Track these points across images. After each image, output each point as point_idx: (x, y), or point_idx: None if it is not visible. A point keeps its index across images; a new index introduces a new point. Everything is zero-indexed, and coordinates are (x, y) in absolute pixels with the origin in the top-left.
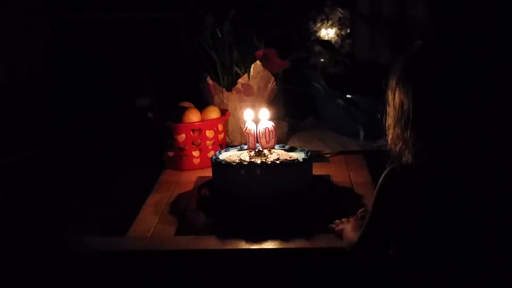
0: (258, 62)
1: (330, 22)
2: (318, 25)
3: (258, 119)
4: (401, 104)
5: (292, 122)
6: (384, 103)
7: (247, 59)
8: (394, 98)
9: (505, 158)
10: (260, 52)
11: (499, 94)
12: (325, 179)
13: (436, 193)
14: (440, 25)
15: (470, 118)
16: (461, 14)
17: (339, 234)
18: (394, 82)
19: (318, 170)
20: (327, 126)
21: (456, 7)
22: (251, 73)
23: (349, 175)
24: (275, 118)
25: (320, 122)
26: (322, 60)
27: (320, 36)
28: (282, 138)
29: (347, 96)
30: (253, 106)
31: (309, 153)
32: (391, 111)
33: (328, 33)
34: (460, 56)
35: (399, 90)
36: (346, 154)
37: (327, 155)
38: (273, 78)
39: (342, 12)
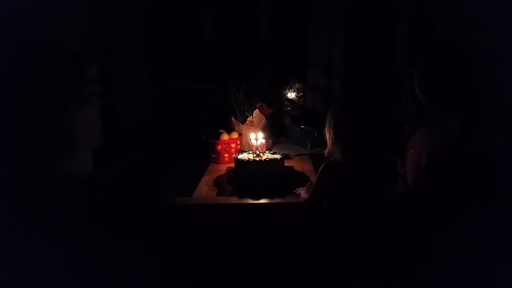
0: (257, 110)
1: (293, 89)
2: (287, 91)
3: (257, 138)
4: (331, 131)
5: (275, 139)
6: (320, 131)
7: (251, 108)
8: (329, 128)
9: (374, 161)
10: (258, 105)
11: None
12: (291, 168)
13: (346, 174)
14: (348, 94)
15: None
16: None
17: (298, 195)
18: (327, 121)
19: (287, 163)
20: (292, 142)
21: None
22: (254, 115)
23: (303, 166)
24: (266, 137)
25: (289, 140)
26: (289, 108)
27: (287, 96)
28: (269, 147)
29: (302, 126)
30: (255, 131)
31: (282, 155)
32: (327, 134)
33: (292, 94)
34: (354, 111)
35: (330, 124)
36: (301, 155)
37: (292, 156)
38: (264, 117)
39: (299, 84)
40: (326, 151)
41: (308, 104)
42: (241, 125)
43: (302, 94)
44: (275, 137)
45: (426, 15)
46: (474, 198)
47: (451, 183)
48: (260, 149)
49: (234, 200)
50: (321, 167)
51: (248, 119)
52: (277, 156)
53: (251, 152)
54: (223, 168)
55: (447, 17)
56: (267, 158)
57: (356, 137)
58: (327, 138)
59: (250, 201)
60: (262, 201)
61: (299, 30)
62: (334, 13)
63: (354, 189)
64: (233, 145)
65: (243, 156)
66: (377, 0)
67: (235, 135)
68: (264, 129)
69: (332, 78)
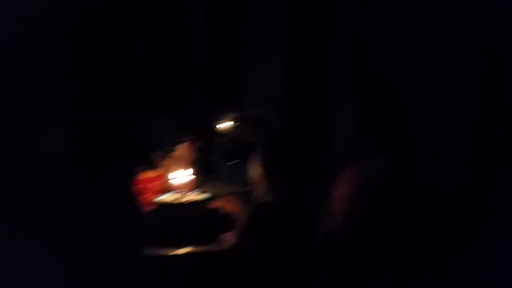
0: (185, 143)
1: (226, 120)
2: (220, 121)
3: (183, 175)
4: (259, 168)
5: (205, 176)
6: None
7: (179, 142)
8: (257, 165)
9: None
10: (187, 138)
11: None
12: (219, 209)
13: (276, 217)
14: (285, 126)
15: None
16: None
17: (226, 241)
18: (255, 157)
19: (216, 203)
20: (223, 178)
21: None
22: (181, 149)
23: (233, 206)
24: (194, 174)
25: (220, 176)
26: (220, 141)
27: (222, 127)
28: (198, 186)
29: (233, 161)
30: (182, 168)
31: (210, 195)
32: (255, 172)
33: (228, 125)
34: (285, 148)
35: (258, 161)
36: (234, 194)
37: (223, 195)
38: (193, 152)
39: (232, 114)
40: (255, 193)
41: (243, 136)
42: (167, 160)
43: (236, 125)
44: (204, 173)
45: (366, 45)
46: (404, 238)
47: (382, 225)
48: (186, 188)
49: (151, 250)
50: (249, 210)
51: (174, 153)
52: (205, 196)
53: (175, 192)
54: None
55: (387, 50)
56: (192, 199)
57: (288, 176)
58: (255, 176)
59: (169, 251)
60: (183, 250)
61: (233, 56)
62: (270, 38)
63: (285, 233)
64: (154, 185)
65: (165, 197)
66: (316, 28)
67: (160, 172)
68: (192, 165)
69: (269, 109)
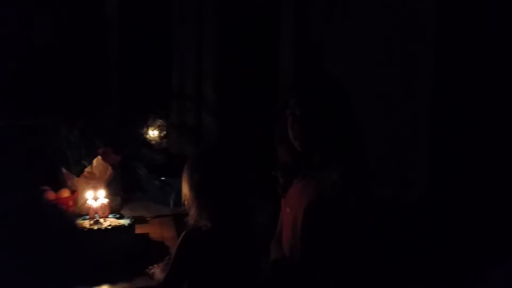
0: (99, 157)
1: (153, 128)
2: (145, 129)
3: (97, 197)
4: (191, 189)
5: (125, 196)
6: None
7: (90, 156)
8: (188, 185)
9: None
10: (100, 151)
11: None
12: (145, 236)
13: (212, 246)
14: (222, 135)
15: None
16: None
17: (152, 276)
18: (186, 175)
19: (140, 230)
20: (149, 198)
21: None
22: (94, 165)
23: (162, 232)
24: (112, 195)
25: (145, 196)
26: (146, 154)
27: (147, 137)
28: (116, 209)
29: (162, 178)
30: (96, 187)
31: (132, 219)
32: (187, 193)
33: (154, 133)
34: (219, 161)
35: (190, 181)
36: (161, 217)
37: (148, 219)
38: (110, 167)
39: (160, 121)
40: (188, 217)
41: (173, 147)
42: (75, 178)
43: (165, 134)
44: (126, 193)
45: (313, 45)
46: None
47: (333, 250)
48: (101, 212)
49: None
50: (180, 237)
51: (86, 170)
52: (125, 222)
53: (88, 217)
54: None
55: (338, 49)
56: (109, 225)
57: (225, 195)
58: (186, 198)
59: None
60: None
61: (161, 52)
62: (203, 32)
63: (223, 265)
64: (65, 207)
65: (80, 222)
66: (255, 24)
67: (65, 193)
68: (109, 184)
69: (204, 114)
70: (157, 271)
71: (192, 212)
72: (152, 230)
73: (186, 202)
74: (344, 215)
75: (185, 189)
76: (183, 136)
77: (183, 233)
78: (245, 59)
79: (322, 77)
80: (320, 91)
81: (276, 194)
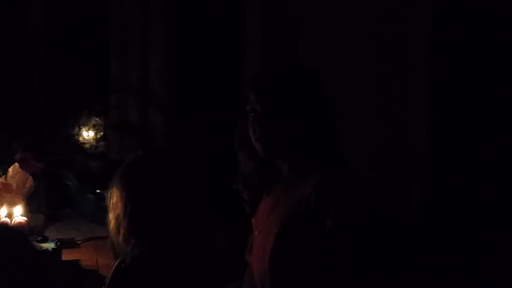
0: (16, 164)
1: (87, 127)
2: (77, 129)
3: (12, 214)
4: (118, 210)
5: (50, 213)
6: None
7: (5, 162)
8: (115, 205)
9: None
10: (17, 156)
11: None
12: (74, 263)
13: (148, 278)
14: (172, 135)
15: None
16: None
17: None
18: (112, 192)
19: (69, 255)
20: (81, 216)
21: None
22: (10, 174)
23: (96, 259)
24: (33, 212)
25: (75, 213)
26: (78, 160)
27: (80, 139)
28: (38, 230)
29: (97, 190)
30: (13, 202)
31: (58, 243)
32: (112, 214)
33: (88, 135)
34: (160, 171)
35: (117, 199)
36: (95, 239)
37: (79, 241)
38: (30, 177)
39: (96, 119)
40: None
41: (112, 151)
42: None
43: (102, 135)
44: (51, 210)
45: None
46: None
47: (308, 276)
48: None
49: None
50: (113, 267)
51: (0, 180)
52: (49, 246)
53: None
54: None
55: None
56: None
57: (167, 217)
58: (114, 218)
59: None
60: None
61: (95, 35)
62: (149, 9)
63: None
64: None
65: None
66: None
67: None
68: (29, 198)
69: (150, 111)
70: None
71: (122, 236)
72: (84, 256)
73: (113, 223)
74: (322, 241)
75: (115, 206)
76: (124, 138)
77: (116, 262)
78: (203, 44)
79: (290, 66)
80: (286, 82)
81: (240, 211)
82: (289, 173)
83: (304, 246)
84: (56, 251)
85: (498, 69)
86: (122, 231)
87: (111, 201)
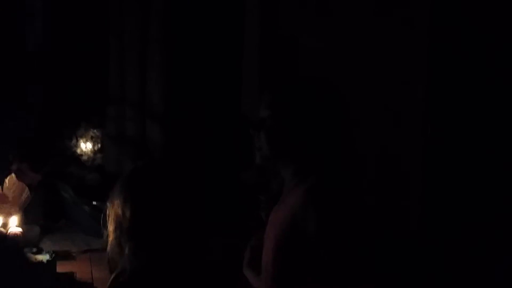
0: (12, 175)
1: (85, 139)
2: (74, 141)
3: (8, 225)
4: (117, 221)
5: (45, 225)
6: None
7: (2, 173)
8: (114, 217)
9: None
10: (14, 167)
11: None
12: (69, 276)
13: None
14: (169, 147)
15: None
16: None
17: None
18: (112, 202)
19: (64, 267)
20: (77, 228)
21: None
22: (6, 185)
23: (91, 271)
24: (28, 223)
25: (71, 225)
26: (73, 171)
27: (78, 151)
28: (34, 241)
29: (93, 202)
30: (9, 213)
31: (53, 255)
32: (112, 225)
33: (86, 147)
34: (161, 182)
35: (116, 210)
36: (91, 252)
37: (74, 254)
38: (27, 188)
39: (94, 131)
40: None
41: (109, 163)
42: None
43: (99, 147)
44: (47, 221)
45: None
46: None
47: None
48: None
49: None
50: (109, 282)
51: None
52: (44, 258)
53: None
54: None
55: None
56: (31, 260)
57: (166, 230)
58: (113, 230)
59: None
60: None
61: (93, 47)
62: (149, 22)
63: None
64: None
65: None
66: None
67: None
68: (25, 209)
69: (149, 123)
70: None
71: (121, 248)
72: (80, 268)
73: (112, 235)
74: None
75: (115, 218)
76: (122, 151)
77: (112, 276)
78: (202, 58)
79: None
80: (299, 94)
81: (238, 224)
82: (291, 179)
83: (297, 252)
84: (51, 263)
85: (494, 69)
86: (122, 243)
87: (111, 213)
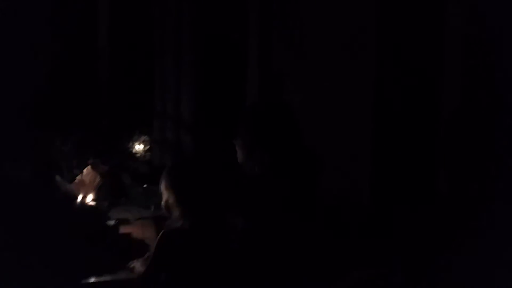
0: (89, 167)
1: (138, 142)
2: (131, 143)
3: (86, 200)
4: (168, 191)
5: (111, 201)
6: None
7: (82, 166)
8: (167, 188)
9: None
10: (90, 161)
11: None
12: (128, 235)
13: (187, 243)
14: (198, 150)
15: None
16: None
17: (133, 269)
18: (164, 179)
19: (124, 229)
20: (132, 203)
21: None
22: (84, 173)
23: (143, 232)
24: (100, 200)
25: (129, 201)
26: (131, 164)
27: (133, 150)
28: (104, 211)
29: (144, 185)
30: (87, 193)
31: (117, 221)
32: (165, 194)
33: (140, 148)
34: (191, 170)
35: (167, 184)
36: (142, 219)
37: (130, 220)
38: (99, 175)
39: (145, 137)
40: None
41: (155, 159)
42: (68, 185)
43: (148, 148)
44: (113, 198)
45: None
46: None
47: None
48: None
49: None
50: (159, 235)
51: (77, 178)
52: (111, 223)
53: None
54: None
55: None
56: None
57: (198, 201)
58: (166, 202)
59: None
60: (92, 279)
61: (144, 73)
62: (181, 55)
63: (196, 260)
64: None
65: None
66: (229, 41)
67: None
68: (98, 190)
69: (183, 131)
70: (138, 265)
71: (171, 214)
72: (135, 230)
73: (165, 205)
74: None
75: (165, 193)
76: (164, 150)
77: (161, 232)
78: (224, 77)
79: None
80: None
81: (247, 200)
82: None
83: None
84: (116, 226)
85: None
86: (169, 209)
87: (163, 190)
